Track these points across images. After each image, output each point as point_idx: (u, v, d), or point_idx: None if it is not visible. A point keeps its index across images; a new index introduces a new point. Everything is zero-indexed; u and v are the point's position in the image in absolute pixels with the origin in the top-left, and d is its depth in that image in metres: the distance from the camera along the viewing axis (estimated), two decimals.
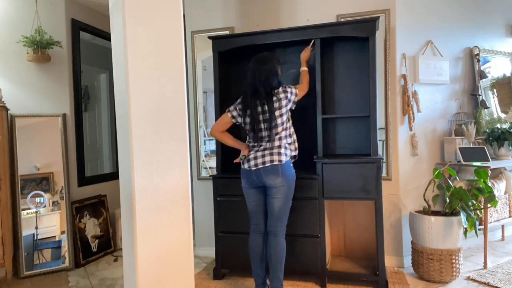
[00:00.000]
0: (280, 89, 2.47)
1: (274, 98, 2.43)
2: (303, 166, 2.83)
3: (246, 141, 2.60)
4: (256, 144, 2.49)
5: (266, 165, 2.39)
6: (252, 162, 2.44)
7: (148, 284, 1.73)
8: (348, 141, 3.00)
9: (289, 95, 2.47)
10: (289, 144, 2.50)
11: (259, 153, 2.44)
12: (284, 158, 2.41)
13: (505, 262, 3.06)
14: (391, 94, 3.04)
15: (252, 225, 2.57)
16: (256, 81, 2.44)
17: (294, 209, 2.67)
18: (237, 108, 2.53)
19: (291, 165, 2.49)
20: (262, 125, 2.45)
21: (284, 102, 2.44)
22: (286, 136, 2.48)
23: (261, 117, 2.44)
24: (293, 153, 2.53)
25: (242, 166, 2.52)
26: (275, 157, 2.40)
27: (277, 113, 2.42)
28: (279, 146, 2.44)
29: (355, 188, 2.63)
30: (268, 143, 2.45)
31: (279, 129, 2.45)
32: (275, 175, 2.39)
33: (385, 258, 2.80)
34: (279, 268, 2.43)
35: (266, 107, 2.42)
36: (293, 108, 2.54)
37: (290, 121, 2.56)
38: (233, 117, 2.54)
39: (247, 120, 2.47)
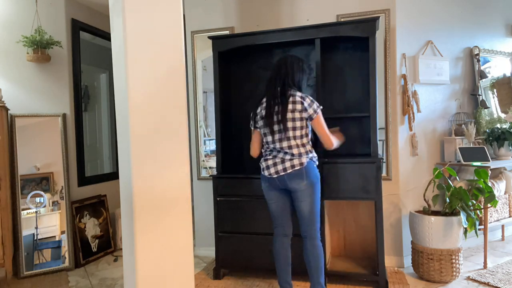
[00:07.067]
0: (299, 93, 2.28)
1: (290, 100, 2.24)
2: None
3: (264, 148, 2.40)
4: (271, 146, 2.32)
5: (288, 171, 2.24)
6: (272, 169, 2.28)
7: (148, 284, 1.73)
8: (348, 141, 2.99)
9: (306, 104, 2.23)
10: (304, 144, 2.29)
11: (278, 159, 2.27)
12: (305, 160, 2.25)
13: (505, 262, 3.06)
14: (391, 94, 3.04)
15: (277, 227, 2.43)
16: (277, 76, 2.27)
17: (295, 209, 2.66)
18: (255, 116, 2.38)
19: (315, 166, 2.32)
20: (275, 127, 2.27)
21: (299, 107, 2.23)
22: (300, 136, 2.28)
23: (275, 118, 2.26)
24: (313, 154, 2.31)
25: (262, 173, 2.36)
26: (296, 161, 2.24)
27: (289, 115, 2.23)
28: (296, 146, 2.25)
29: (355, 188, 2.63)
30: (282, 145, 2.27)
31: (290, 133, 2.25)
32: (300, 179, 2.24)
33: (385, 258, 2.81)
34: (320, 273, 2.31)
35: (280, 107, 2.24)
36: (309, 122, 2.28)
37: (309, 135, 2.31)
38: (257, 128, 2.39)
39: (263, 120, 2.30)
